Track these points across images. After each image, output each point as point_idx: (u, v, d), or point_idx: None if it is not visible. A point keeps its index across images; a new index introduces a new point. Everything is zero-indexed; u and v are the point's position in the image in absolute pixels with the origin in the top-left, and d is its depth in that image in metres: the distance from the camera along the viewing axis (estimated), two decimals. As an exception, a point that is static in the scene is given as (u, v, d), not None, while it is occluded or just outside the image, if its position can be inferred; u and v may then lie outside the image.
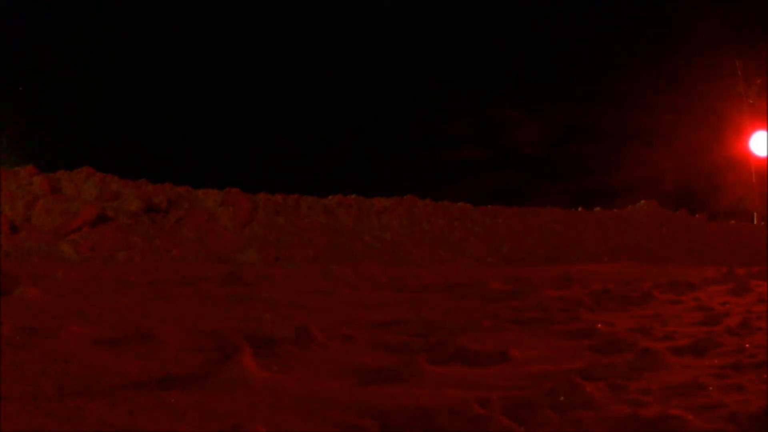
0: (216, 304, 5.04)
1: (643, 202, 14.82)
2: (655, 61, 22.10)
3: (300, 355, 3.31)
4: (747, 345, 3.55)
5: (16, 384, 2.61)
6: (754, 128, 17.67)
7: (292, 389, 2.69)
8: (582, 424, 2.30)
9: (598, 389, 2.61)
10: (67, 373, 2.80)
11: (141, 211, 10.30)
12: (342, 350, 3.49)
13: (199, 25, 23.08)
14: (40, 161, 14.74)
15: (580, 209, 14.23)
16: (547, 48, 25.02)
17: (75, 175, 10.65)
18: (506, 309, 5.12)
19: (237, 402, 2.49)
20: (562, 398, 2.51)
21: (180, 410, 2.37)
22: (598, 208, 14.41)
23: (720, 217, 15.52)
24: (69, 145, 18.92)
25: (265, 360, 3.09)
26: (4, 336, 3.28)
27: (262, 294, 5.63)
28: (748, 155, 17.69)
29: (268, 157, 21.79)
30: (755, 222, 16.45)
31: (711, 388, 2.70)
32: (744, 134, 17.77)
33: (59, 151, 18.33)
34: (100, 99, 20.39)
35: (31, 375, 2.74)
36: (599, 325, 4.32)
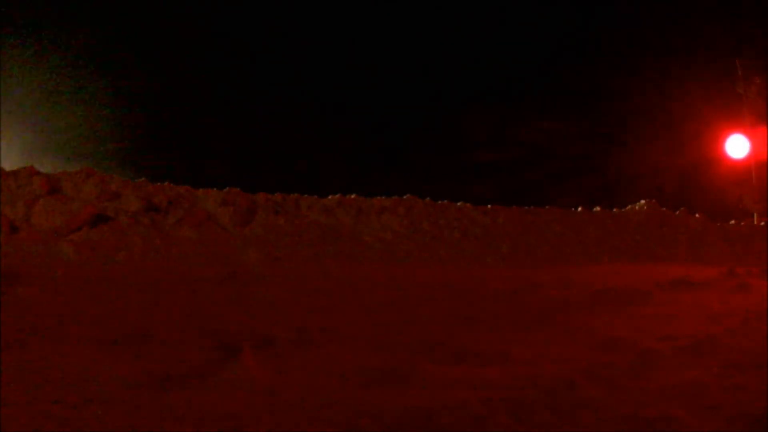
0: (216, 304, 5.04)
1: (643, 202, 14.82)
2: (654, 61, 22.08)
3: (300, 355, 3.31)
4: (747, 345, 3.55)
5: (16, 384, 2.61)
6: (755, 128, 17.69)
7: (291, 389, 2.69)
8: (582, 424, 2.30)
9: (598, 389, 2.62)
10: (67, 373, 2.79)
11: (141, 211, 10.29)
12: (342, 350, 3.49)
13: (199, 25, 23.07)
14: (39, 161, 14.75)
15: (580, 209, 14.23)
16: (545, 48, 25.01)
17: (75, 175, 10.64)
18: (506, 309, 5.12)
19: (237, 402, 2.49)
20: (562, 398, 2.51)
21: (180, 410, 2.37)
22: (598, 208, 14.42)
23: (720, 217, 15.55)
24: (69, 145, 18.89)
25: (265, 360, 3.09)
26: (4, 336, 3.28)
27: (262, 294, 5.62)
28: (750, 156, 17.73)
29: (268, 157, 21.74)
30: (755, 222, 16.46)
31: (711, 388, 2.71)
32: (747, 134, 17.79)
33: (59, 151, 18.30)
34: (100, 99, 20.36)
35: (30, 375, 2.74)
36: (599, 325, 4.31)
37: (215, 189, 11.40)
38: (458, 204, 13.09)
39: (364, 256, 10.00)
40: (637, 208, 14.68)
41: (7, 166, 10.89)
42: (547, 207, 14.02)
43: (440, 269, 8.66)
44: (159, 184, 11.27)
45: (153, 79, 20.66)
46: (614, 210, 14.54)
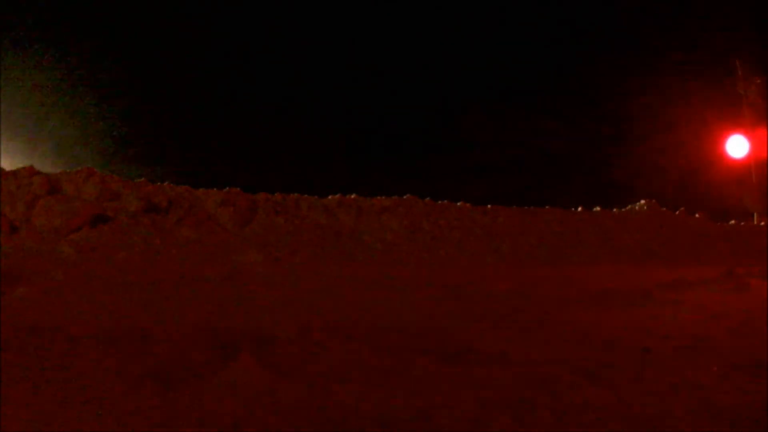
0: (216, 304, 5.04)
1: (643, 202, 14.83)
2: (654, 61, 22.08)
3: (300, 356, 3.31)
4: (747, 345, 3.55)
5: (16, 384, 2.61)
6: (755, 128, 17.70)
7: (291, 390, 2.69)
8: (582, 424, 2.30)
9: (598, 389, 2.61)
10: (67, 373, 2.79)
11: (141, 211, 10.29)
12: (342, 350, 3.49)
13: (200, 26, 23.08)
14: (40, 161, 14.79)
15: (579, 209, 14.24)
16: (545, 48, 25.00)
17: (75, 175, 10.63)
18: (506, 309, 5.12)
19: (236, 402, 2.49)
20: (562, 398, 2.51)
21: (180, 410, 2.37)
22: (598, 208, 14.42)
23: (720, 217, 15.56)
24: (69, 145, 18.91)
25: (265, 360, 3.09)
26: (4, 336, 3.28)
27: (262, 294, 5.62)
28: (750, 156, 17.73)
29: (268, 157, 21.77)
30: (755, 222, 16.46)
31: (711, 388, 2.71)
32: (747, 134, 17.80)
33: (59, 151, 18.33)
34: (101, 99, 20.37)
35: (30, 375, 2.74)
36: (599, 325, 4.32)
37: (215, 189, 11.41)
38: (458, 204, 13.09)
39: (364, 256, 9.99)
40: (637, 208, 14.69)
41: (7, 166, 10.89)
42: (547, 207, 14.02)
43: (440, 269, 8.65)
44: (159, 184, 11.27)
45: (154, 80, 20.67)
46: (614, 210, 14.54)
